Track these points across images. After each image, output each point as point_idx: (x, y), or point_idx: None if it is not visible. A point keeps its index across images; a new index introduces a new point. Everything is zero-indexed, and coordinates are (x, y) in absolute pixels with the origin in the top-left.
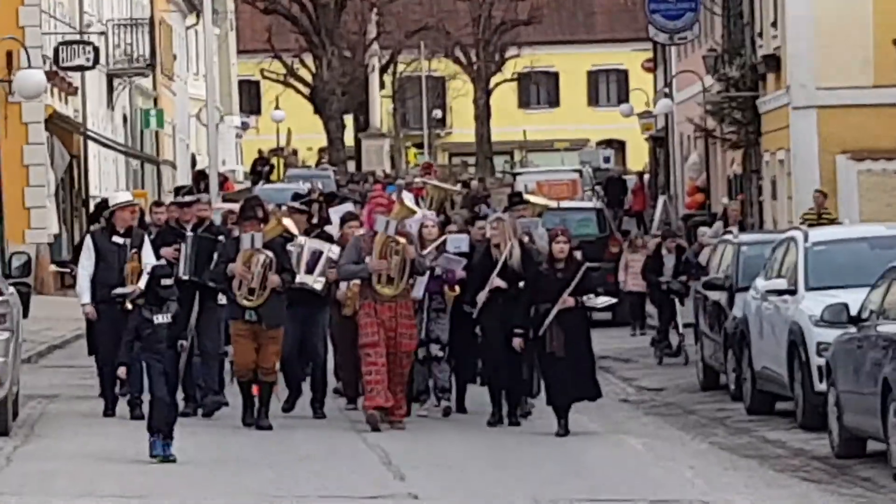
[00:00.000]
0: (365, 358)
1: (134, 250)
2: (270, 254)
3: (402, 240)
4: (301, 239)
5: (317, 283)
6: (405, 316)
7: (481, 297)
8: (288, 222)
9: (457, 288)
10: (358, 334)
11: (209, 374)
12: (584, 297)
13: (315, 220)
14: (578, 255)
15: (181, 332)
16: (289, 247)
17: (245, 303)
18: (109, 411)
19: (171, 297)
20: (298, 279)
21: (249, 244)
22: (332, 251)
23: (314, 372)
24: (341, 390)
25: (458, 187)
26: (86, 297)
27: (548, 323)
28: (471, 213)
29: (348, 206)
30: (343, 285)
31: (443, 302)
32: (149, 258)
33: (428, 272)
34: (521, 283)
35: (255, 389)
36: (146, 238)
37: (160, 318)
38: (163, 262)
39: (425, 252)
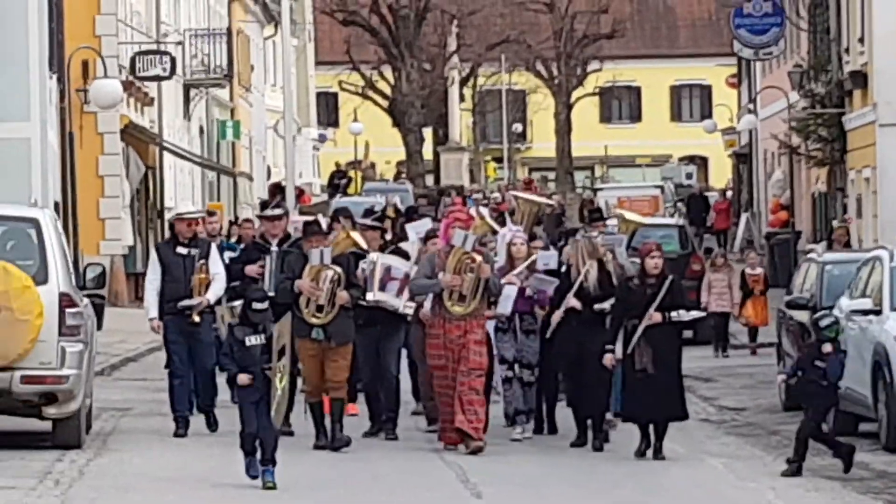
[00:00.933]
0: (434, 381)
1: (202, 261)
2: (339, 269)
3: (479, 257)
4: (373, 255)
5: (406, 308)
6: (475, 335)
7: (555, 317)
8: (356, 236)
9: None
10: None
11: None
12: (674, 313)
13: (388, 237)
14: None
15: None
16: (361, 264)
17: (313, 320)
18: (181, 430)
19: (264, 320)
20: (371, 297)
21: (318, 260)
22: (409, 266)
23: (386, 390)
24: (421, 411)
25: (551, 200)
26: (153, 312)
27: (636, 339)
28: (557, 229)
29: (426, 223)
30: (427, 305)
31: (534, 323)
32: (216, 268)
33: (515, 290)
34: (597, 306)
35: (326, 405)
36: (213, 247)
37: (253, 340)
38: (257, 286)
39: (516, 271)
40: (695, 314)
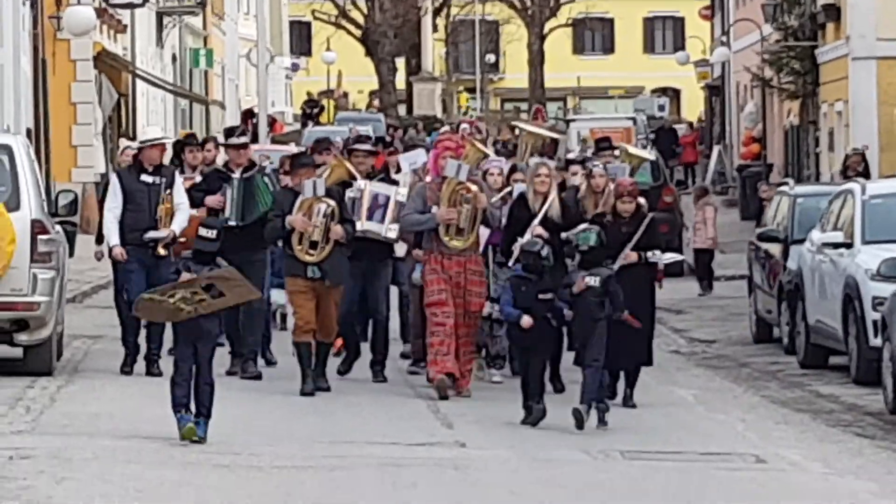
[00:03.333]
0: (431, 318)
1: (168, 191)
2: (332, 202)
3: (474, 187)
4: (360, 182)
5: (390, 231)
6: (475, 272)
7: (517, 247)
8: (350, 166)
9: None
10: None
11: (252, 332)
12: (649, 253)
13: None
14: (640, 205)
15: None
16: (348, 192)
17: (307, 258)
18: (128, 368)
19: (212, 250)
20: (360, 227)
21: (311, 191)
22: (400, 194)
23: (375, 331)
24: (408, 353)
25: (554, 134)
26: (114, 238)
27: None
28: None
29: (420, 153)
30: (423, 243)
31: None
32: (180, 198)
33: (496, 225)
34: (565, 234)
35: (337, 344)
36: (178, 176)
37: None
38: (214, 217)
39: (492, 201)
40: (673, 256)
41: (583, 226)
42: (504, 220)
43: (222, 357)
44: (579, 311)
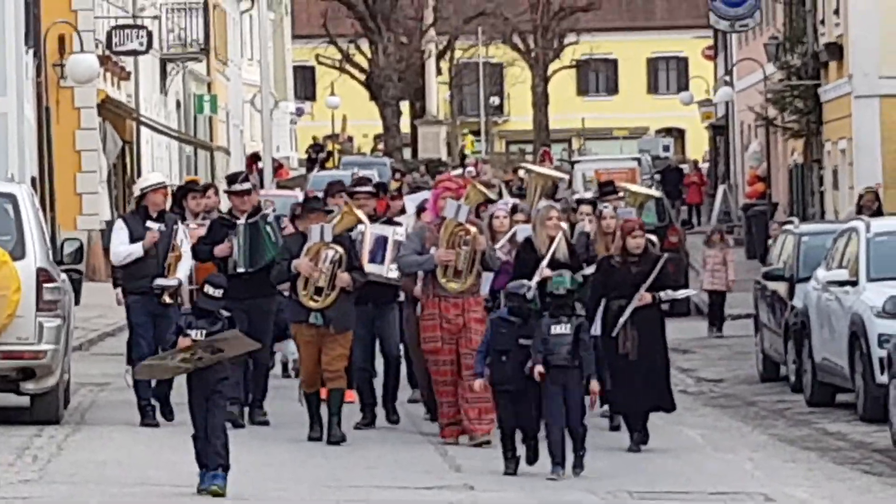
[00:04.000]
0: (431, 367)
1: (179, 239)
2: (340, 249)
3: (473, 229)
4: (361, 226)
5: (391, 271)
6: (475, 311)
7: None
8: (360, 213)
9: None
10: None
11: (257, 384)
12: (662, 294)
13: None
14: (653, 243)
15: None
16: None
17: (311, 304)
18: (149, 419)
19: (216, 309)
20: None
21: (319, 237)
22: (398, 233)
23: (387, 373)
24: (418, 398)
25: (563, 175)
26: (138, 249)
27: (622, 322)
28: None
29: (426, 195)
30: (420, 281)
31: None
32: (184, 245)
33: (495, 268)
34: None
35: (324, 393)
36: (180, 223)
37: (195, 334)
38: (217, 274)
39: (497, 245)
40: (687, 292)
41: (557, 271)
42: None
43: None
44: (548, 361)
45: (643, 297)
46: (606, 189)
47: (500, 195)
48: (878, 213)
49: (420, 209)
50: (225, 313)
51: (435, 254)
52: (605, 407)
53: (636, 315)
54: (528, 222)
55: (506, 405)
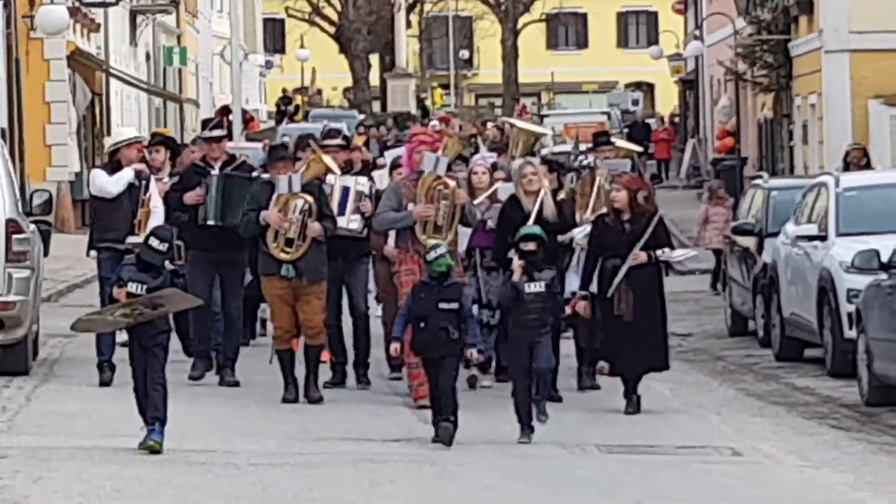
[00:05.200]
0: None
1: (147, 194)
2: (310, 198)
3: (452, 182)
4: (330, 178)
5: (351, 222)
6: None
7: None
8: (328, 160)
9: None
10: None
11: (229, 339)
12: (659, 252)
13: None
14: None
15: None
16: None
17: (282, 256)
18: (107, 376)
19: (161, 262)
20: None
21: (287, 187)
22: (360, 184)
23: (356, 331)
24: (399, 377)
25: (545, 130)
26: (128, 173)
27: (617, 282)
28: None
29: (400, 150)
30: (392, 239)
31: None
32: (155, 201)
33: (475, 224)
34: (561, 237)
35: (295, 346)
36: (153, 179)
37: (134, 288)
38: (164, 226)
39: (476, 202)
40: (685, 253)
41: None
42: (494, 223)
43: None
44: (518, 321)
45: (637, 256)
46: (600, 140)
47: (477, 149)
48: (868, 166)
49: (394, 165)
50: (169, 266)
51: (413, 209)
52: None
53: (631, 275)
54: (508, 180)
55: (430, 371)
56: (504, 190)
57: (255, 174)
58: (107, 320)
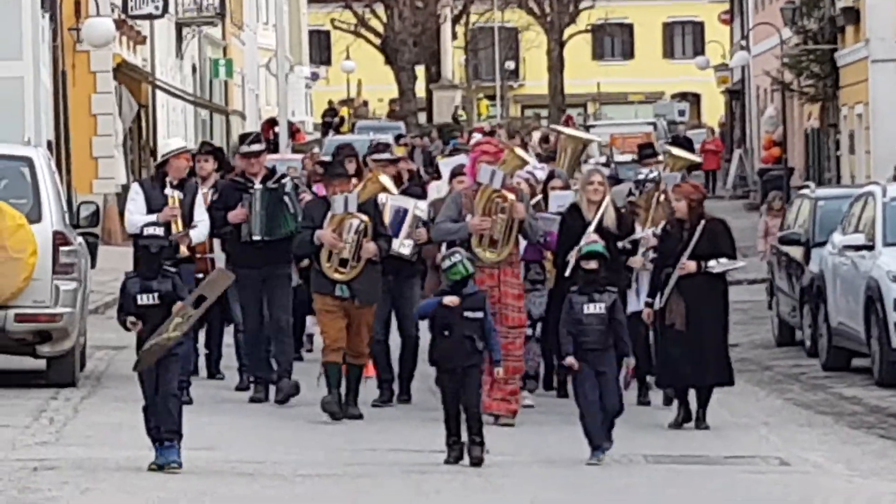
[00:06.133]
0: None
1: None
2: (365, 218)
3: (511, 195)
4: (382, 196)
5: (403, 246)
6: (512, 285)
7: (572, 255)
8: (386, 179)
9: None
10: None
11: (283, 352)
12: (711, 262)
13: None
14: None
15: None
16: None
17: (336, 276)
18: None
19: (160, 266)
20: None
21: (342, 207)
22: (419, 208)
23: (404, 351)
24: None
25: (594, 137)
26: (145, 220)
27: (668, 292)
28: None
29: (461, 158)
30: (444, 248)
31: (541, 273)
32: (201, 214)
33: (535, 239)
34: (620, 243)
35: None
36: (199, 192)
37: (146, 299)
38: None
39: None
40: (731, 264)
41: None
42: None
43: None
44: (582, 344)
45: (685, 265)
46: (646, 152)
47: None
48: None
49: (454, 174)
50: (172, 270)
51: (469, 221)
52: (650, 379)
53: (683, 284)
54: (566, 188)
55: (448, 384)
56: (558, 199)
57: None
58: (164, 343)
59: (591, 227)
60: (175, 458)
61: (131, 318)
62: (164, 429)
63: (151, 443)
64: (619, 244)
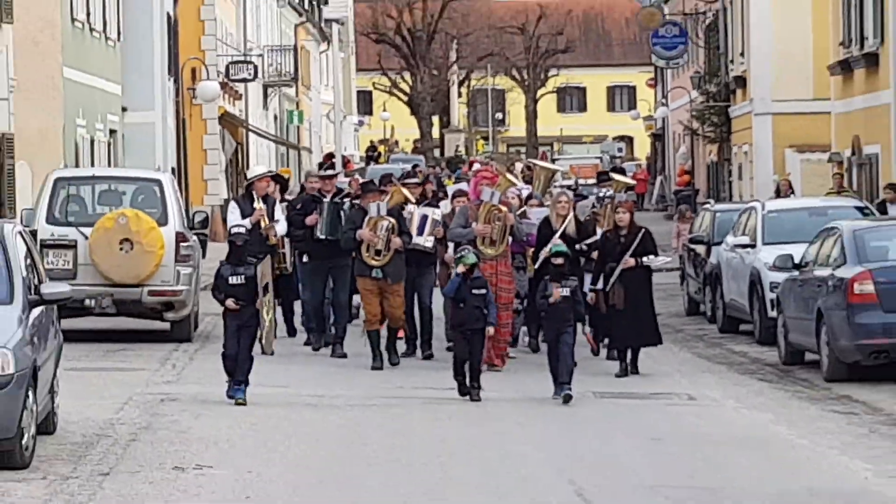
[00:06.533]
0: None
1: (273, 211)
2: (393, 220)
3: (504, 208)
4: (411, 207)
5: (427, 241)
6: (504, 273)
7: (543, 253)
8: (406, 192)
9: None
10: None
11: (339, 321)
12: (645, 258)
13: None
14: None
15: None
16: (403, 212)
17: (373, 262)
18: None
19: (244, 255)
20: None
21: (376, 212)
22: (436, 214)
23: (423, 320)
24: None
25: (560, 168)
26: (246, 223)
27: (612, 280)
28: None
29: (462, 185)
30: (451, 247)
31: (523, 261)
32: (279, 216)
33: (520, 238)
34: (578, 245)
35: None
36: (277, 203)
37: (235, 280)
38: (241, 227)
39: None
40: (665, 260)
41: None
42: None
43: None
44: (551, 315)
45: (627, 261)
46: (603, 177)
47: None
48: (791, 193)
49: (454, 195)
50: (251, 259)
51: (475, 227)
52: (606, 340)
53: (623, 275)
54: (541, 206)
55: (462, 341)
56: (536, 214)
57: (346, 202)
58: (268, 325)
59: (557, 234)
60: (241, 396)
61: (231, 302)
62: (237, 377)
63: (227, 376)
64: (577, 246)
